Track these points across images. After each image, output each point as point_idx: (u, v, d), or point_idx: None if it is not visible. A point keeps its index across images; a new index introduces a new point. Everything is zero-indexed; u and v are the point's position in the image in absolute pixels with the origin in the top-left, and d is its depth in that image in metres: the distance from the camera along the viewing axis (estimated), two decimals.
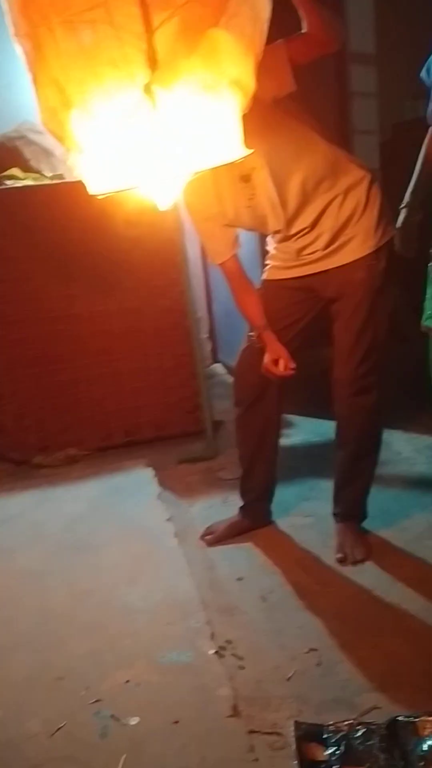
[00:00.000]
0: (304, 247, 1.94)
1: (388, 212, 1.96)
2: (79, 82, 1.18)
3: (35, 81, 1.24)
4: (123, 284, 2.95)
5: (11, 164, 3.21)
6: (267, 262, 2.07)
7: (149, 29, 1.13)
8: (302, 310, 2.04)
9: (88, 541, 2.24)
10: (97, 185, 1.28)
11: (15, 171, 3.13)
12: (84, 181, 1.29)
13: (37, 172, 3.23)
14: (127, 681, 1.59)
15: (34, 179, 3.16)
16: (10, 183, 3.05)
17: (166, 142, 1.20)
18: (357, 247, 1.90)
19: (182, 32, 1.15)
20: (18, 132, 3.33)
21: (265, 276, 2.08)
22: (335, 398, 2.07)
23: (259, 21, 1.29)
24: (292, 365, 1.98)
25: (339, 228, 1.89)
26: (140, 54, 1.15)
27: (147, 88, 1.16)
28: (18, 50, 1.23)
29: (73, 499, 2.55)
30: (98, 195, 1.30)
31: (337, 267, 1.93)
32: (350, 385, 2.01)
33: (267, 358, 2.00)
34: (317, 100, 2.36)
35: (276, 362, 1.99)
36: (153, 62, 1.14)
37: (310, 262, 1.95)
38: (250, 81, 1.29)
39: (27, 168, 3.22)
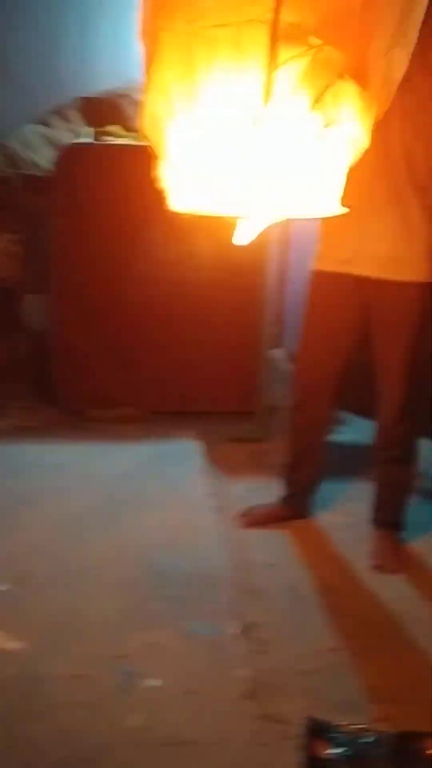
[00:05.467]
0: None
1: None
2: (189, 95, 1.17)
3: (147, 85, 1.24)
4: (205, 256, 2.96)
5: (112, 120, 3.25)
6: None
7: (273, 62, 1.10)
8: None
9: (131, 500, 2.31)
10: (179, 200, 1.27)
11: (117, 128, 3.17)
12: (167, 193, 1.28)
13: (138, 131, 3.26)
14: (152, 643, 1.65)
15: (134, 138, 3.18)
16: (110, 139, 3.09)
17: (263, 180, 1.18)
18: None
19: (310, 72, 1.12)
20: (125, 90, 3.36)
21: None
22: (379, 407, 2.09)
23: (391, 82, 1.26)
24: None
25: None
26: (257, 84, 1.13)
27: (256, 120, 1.14)
28: (141, 49, 1.23)
29: (122, 457, 2.62)
30: (179, 211, 1.29)
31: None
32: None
33: None
34: None
35: None
36: (267, 95, 1.12)
37: None
38: (364, 138, 1.27)
39: (128, 126, 3.25)
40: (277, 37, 1.12)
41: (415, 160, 1.82)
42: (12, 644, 1.63)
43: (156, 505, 2.29)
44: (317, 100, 1.17)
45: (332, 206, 1.32)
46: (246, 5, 1.12)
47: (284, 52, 1.13)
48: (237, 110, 1.16)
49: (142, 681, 1.53)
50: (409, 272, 1.90)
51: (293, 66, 1.14)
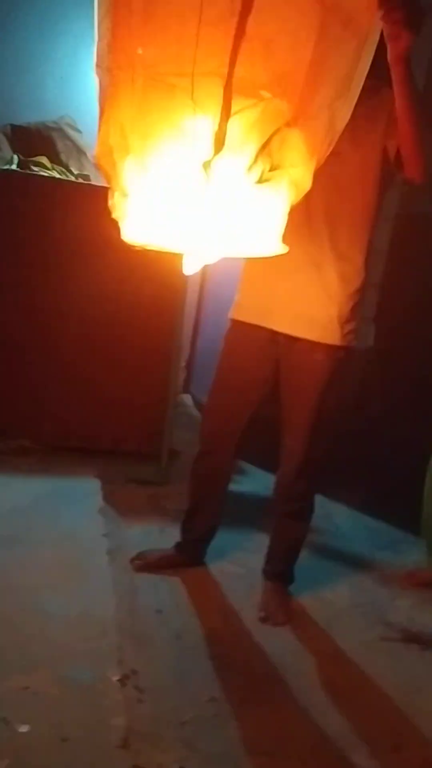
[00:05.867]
0: None
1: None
2: (143, 135, 1.21)
3: (102, 117, 1.28)
4: (121, 296, 2.98)
5: (42, 152, 3.26)
6: None
7: (226, 114, 1.16)
8: None
9: (22, 536, 2.23)
10: (132, 233, 1.31)
11: (43, 159, 3.17)
12: (121, 225, 1.32)
13: (66, 166, 3.28)
14: (27, 687, 1.58)
15: (60, 173, 3.20)
16: (36, 169, 3.09)
17: (210, 220, 1.23)
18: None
19: (259, 122, 1.19)
20: (57, 124, 3.40)
21: None
22: (280, 461, 2.13)
23: (333, 130, 1.34)
24: None
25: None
26: (209, 132, 1.18)
27: (206, 165, 1.19)
28: (95, 80, 1.27)
29: (16, 491, 2.54)
30: (131, 244, 1.33)
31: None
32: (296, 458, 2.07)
33: None
34: None
35: None
36: (220, 144, 1.18)
37: None
38: (307, 182, 1.35)
39: (56, 160, 3.27)
40: (230, 91, 1.18)
41: (338, 230, 1.88)
42: None
43: (47, 543, 2.22)
44: (264, 146, 1.24)
45: (274, 246, 1.38)
46: (203, 58, 1.17)
47: (237, 104, 1.20)
48: (188, 155, 1.21)
49: (12, 726, 1.46)
50: (320, 333, 1.94)
51: (244, 116, 1.20)
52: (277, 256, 1.80)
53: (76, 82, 3.59)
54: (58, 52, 3.57)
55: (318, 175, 1.42)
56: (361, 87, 1.38)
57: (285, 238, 1.62)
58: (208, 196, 1.22)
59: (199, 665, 1.83)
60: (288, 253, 1.85)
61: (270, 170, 1.25)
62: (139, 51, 1.19)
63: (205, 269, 3.78)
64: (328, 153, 1.37)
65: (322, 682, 1.84)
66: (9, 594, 1.93)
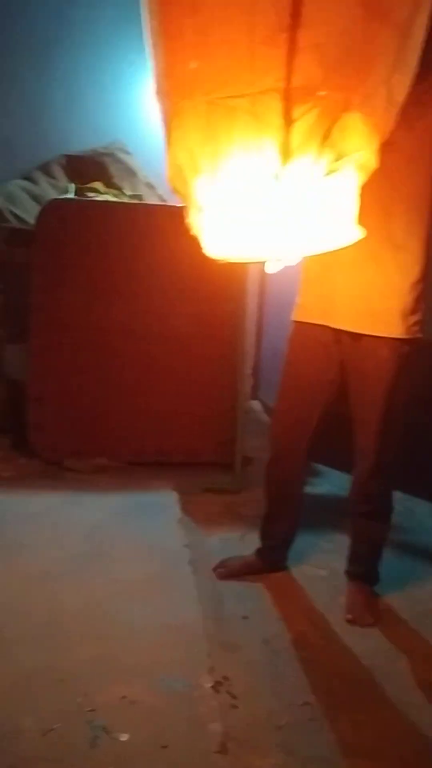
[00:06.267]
0: None
1: None
2: (211, 157, 1.25)
3: (169, 140, 1.32)
4: (182, 309, 3.03)
5: (95, 178, 3.36)
6: None
7: (289, 123, 1.19)
8: None
9: (105, 551, 2.29)
10: (213, 248, 1.35)
11: (98, 185, 3.27)
12: (201, 242, 1.36)
13: (119, 189, 3.37)
14: (124, 697, 1.62)
15: (114, 195, 3.29)
16: (92, 195, 3.18)
17: (287, 225, 1.26)
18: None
19: (319, 120, 1.21)
20: (108, 149, 3.50)
21: None
22: (355, 461, 2.11)
23: (393, 103, 1.34)
24: None
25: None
26: (275, 143, 1.21)
27: (276, 175, 1.22)
28: (157, 106, 1.31)
29: (96, 508, 2.60)
30: (215, 258, 1.36)
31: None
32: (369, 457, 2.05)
33: None
34: None
35: None
36: (287, 153, 1.21)
37: None
38: (373, 162, 1.35)
39: (110, 184, 3.36)
40: (291, 105, 1.21)
41: (393, 220, 1.86)
42: None
43: (130, 557, 2.27)
44: (325, 137, 1.26)
45: (352, 233, 1.39)
46: (259, 77, 1.21)
47: (297, 111, 1.23)
48: (258, 168, 1.25)
49: (113, 735, 1.50)
50: (384, 327, 1.93)
51: (304, 120, 1.23)
52: (333, 253, 1.80)
53: (124, 106, 3.69)
54: (105, 78, 3.67)
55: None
56: (417, 60, 1.36)
57: None
58: (282, 203, 1.24)
59: (290, 669, 1.83)
60: (344, 249, 1.85)
61: (335, 160, 1.26)
62: (192, 65, 1.22)
63: (264, 273, 3.82)
64: (391, 127, 1.36)
65: (417, 683, 1.81)
66: (97, 607, 1.98)
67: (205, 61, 1.21)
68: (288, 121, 1.20)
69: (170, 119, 1.30)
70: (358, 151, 1.30)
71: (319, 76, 1.22)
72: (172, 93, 1.27)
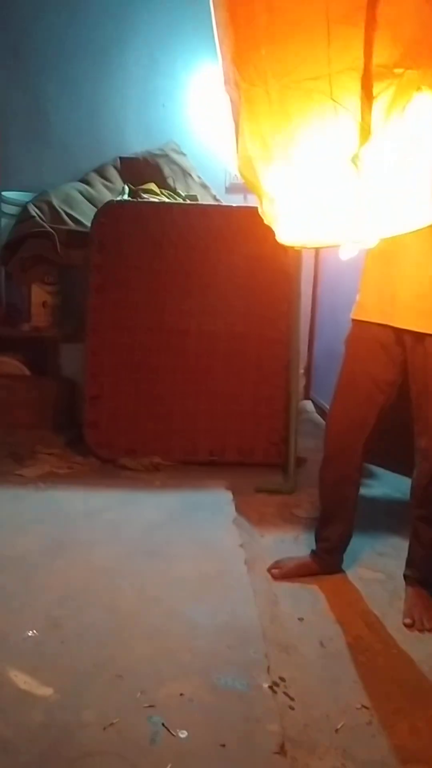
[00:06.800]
0: None
1: None
2: (286, 143, 1.24)
3: (239, 130, 1.31)
4: (235, 309, 3.05)
5: (150, 179, 3.40)
6: None
7: (368, 104, 1.18)
8: None
9: (162, 549, 2.32)
10: (287, 235, 1.34)
11: (152, 186, 3.30)
12: (275, 230, 1.36)
13: (173, 190, 3.39)
14: (182, 694, 1.64)
15: (169, 196, 3.32)
16: (146, 196, 3.22)
17: (364, 208, 1.24)
18: None
19: (395, 98, 1.19)
20: (162, 150, 3.52)
21: None
22: (416, 464, 2.07)
23: None
24: None
25: None
26: (353, 125, 1.20)
27: (354, 158, 1.21)
28: (225, 97, 1.31)
29: (152, 506, 2.64)
30: (288, 245, 1.36)
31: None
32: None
33: None
34: None
35: None
36: (366, 134, 1.19)
37: None
38: None
39: (164, 185, 3.39)
40: (371, 82, 1.19)
41: None
42: (42, 691, 1.63)
43: (187, 555, 2.29)
44: (401, 117, 1.24)
45: (428, 213, 1.37)
46: (336, 56, 1.20)
47: (376, 89, 1.21)
48: (335, 152, 1.23)
49: (172, 732, 1.52)
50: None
51: (382, 99, 1.21)
52: (394, 251, 1.77)
53: (178, 107, 3.72)
54: (159, 80, 3.71)
55: None
56: None
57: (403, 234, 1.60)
58: (360, 185, 1.22)
59: (346, 672, 1.82)
60: (405, 247, 1.82)
61: (409, 140, 1.24)
62: (263, 52, 1.20)
63: (317, 273, 3.79)
64: None
65: None
66: (155, 605, 2.00)
67: (278, 44, 1.20)
68: (369, 100, 1.18)
69: (240, 109, 1.29)
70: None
71: (396, 55, 1.20)
72: (242, 81, 1.26)
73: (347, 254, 1.44)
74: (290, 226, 1.33)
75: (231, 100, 1.32)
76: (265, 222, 1.40)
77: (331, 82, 1.18)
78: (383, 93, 1.19)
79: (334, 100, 1.18)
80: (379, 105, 1.20)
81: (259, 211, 1.41)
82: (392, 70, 1.20)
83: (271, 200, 1.33)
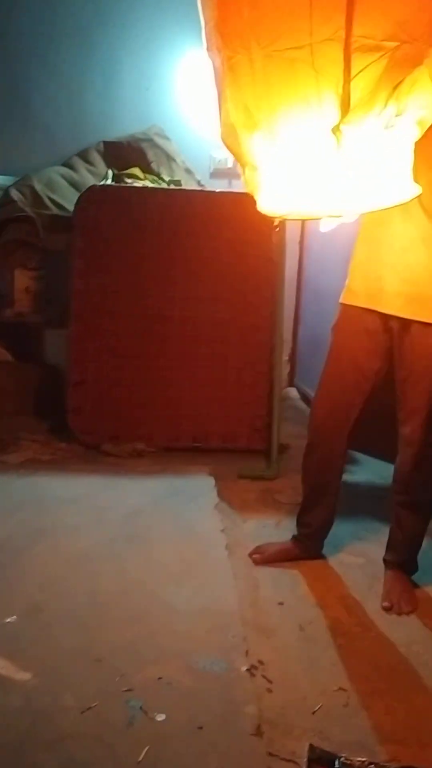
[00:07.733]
0: None
1: None
2: (269, 111, 1.22)
3: (222, 97, 1.29)
4: (218, 295, 3.04)
5: (134, 163, 3.37)
6: None
7: (348, 76, 1.16)
8: None
9: (143, 534, 2.32)
10: (269, 204, 1.33)
11: (136, 171, 3.28)
12: (255, 197, 1.34)
13: (157, 174, 3.37)
14: (160, 678, 1.65)
15: (153, 181, 3.29)
16: (130, 181, 3.19)
17: (345, 181, 1.23)
18: None
19: (386, 73, 1.17)
20: (146, 134, 3.49)
21: None
22: (399, 450, 2.09)
23: None
24: None
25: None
26: (335, 96, 1.18)
27: (335, 129, 1.19)
28: (208, 62, 1.28)
29: (135, 492, 2.64)
30: (268, 214, 1.34)
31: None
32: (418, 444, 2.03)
33: None
34: None
35: None
36: (346, 106, 1.17)
37: None
38: (430, 119, 1.31)
39: (148, 169, 3.36)
40: (350, 53, 1.17)
41: None
42: (20, 675, 1.64)
43: (168, 540, 2.30)
44: (391, 93, 1.23)
45: (408, 189, 1.36)
46: (318, 27, 1.17)
47: (361, 62, 1.19)
48: (317, 122, 1.22)
49: (150, 715, 1.53)
50: None
51: (369, 72, 1.19)
52: (383, 235, 1.76)
53: (163, 91, 3.68)
54: (143, 64, 3.67)
55: (421, 152, 1.38)
56: None
57: (390, 217, 1.59)
58: (340, 158, 1.21)
59: (325, 656, 1.83)
60: (394, 232, 1.81)
61: (396, 115, 1.22)
62: (245, 16, 1.17)
63: (301, 259, 3.79)
64: None
65: None
66: (135, 589, 2.01)
67: (261, 11, 1.17)
68: (347, 74, 1.16)
69: (223, 76, 1.26)
70: (424, 109, 1.25)
71: (387, 27, 1.18)
72: (225, 48, 1.23)
73: (327, 227, 1.43)
74: (272, 195, 1.31)
75: (214, 67, 1.30)
76: (247, 190, 1.38)
77: (312, 52, 1.16)
78: (372, 65, 1.17)
79: (315, 71, 1.16)
80: (366, 77, 1.17)
81: (242, 179, 1.39)
82: (381, 43, 1.18)
83: (253, 168, 1.31)
